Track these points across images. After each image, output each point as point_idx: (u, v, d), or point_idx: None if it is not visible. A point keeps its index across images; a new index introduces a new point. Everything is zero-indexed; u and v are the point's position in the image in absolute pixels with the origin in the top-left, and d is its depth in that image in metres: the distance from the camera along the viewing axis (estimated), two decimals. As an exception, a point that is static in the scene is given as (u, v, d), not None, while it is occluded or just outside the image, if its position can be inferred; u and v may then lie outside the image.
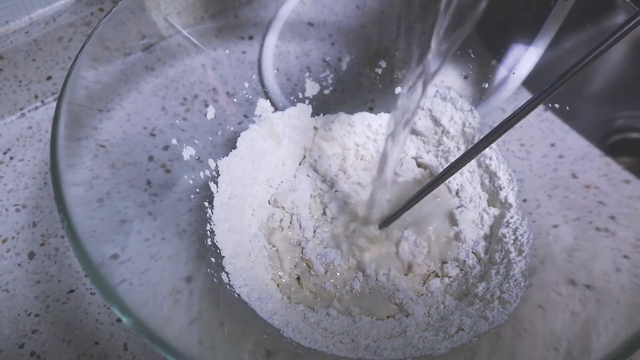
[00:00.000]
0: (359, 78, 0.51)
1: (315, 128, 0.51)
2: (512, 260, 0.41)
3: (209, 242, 0.41)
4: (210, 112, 0.45)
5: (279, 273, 0.44)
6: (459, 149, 0.49)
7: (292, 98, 0.51)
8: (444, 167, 0.48)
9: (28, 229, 0.48)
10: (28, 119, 0.55)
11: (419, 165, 0.50)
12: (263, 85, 0.49)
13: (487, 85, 0.47)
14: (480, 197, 0.46)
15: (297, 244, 0.45)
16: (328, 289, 0.43)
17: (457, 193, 0.48)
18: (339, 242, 0.45)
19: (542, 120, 0.44)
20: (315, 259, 0.44)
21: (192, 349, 0.28)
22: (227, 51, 0.46)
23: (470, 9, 0.31)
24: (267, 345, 0.37)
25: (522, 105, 0.32)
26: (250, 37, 0.49)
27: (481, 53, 0.47)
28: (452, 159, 0.49)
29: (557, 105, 0.43)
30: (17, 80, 0.53)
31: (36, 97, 0.55)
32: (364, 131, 0.51)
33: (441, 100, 0.49)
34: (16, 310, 0.44)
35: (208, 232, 0.41)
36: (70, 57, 0.54)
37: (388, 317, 0.42)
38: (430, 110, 0.49)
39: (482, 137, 0.36)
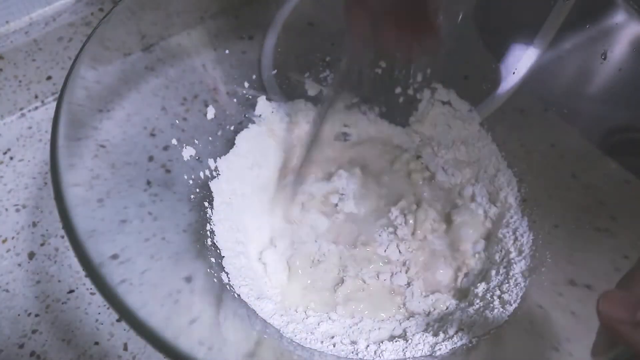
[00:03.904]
0: (359, 78, 0.51)
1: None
2: (512, 260, 0.41)
3: (209, 242, 0.41)
4: (210, 112, 0.45)
5: (280, 276, 0.44)
6: (458, 149, 0.49)
7: (292, 98, 0.51)
8: (443, 167, 0.49)
9: (28, 229, 0.48)
10: (28, 119, 0.55)
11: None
12: (263, 85, 0.49)
13: (487, 85, 0.47)
14: (480, 197, 0.46)
15: (301, 244, 0.45)
16: (330, 292, 0.43)
17: (457, 193, 0.48)
18: (344, 246, 0.45)
19: (542, 120, 0.44)
20: (317, 262, 0.44)
21: (192, 349, 0.28)
22: (227, 51, 0.46)
23: None
24: (267, 345, 0.37)
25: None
26: (250, 37, 0.49)
27: (481, 53, 0.47)
28: (451, 159, 0.49)
29: (557, 106, 0.43)
30: (17, 80, 0.53)
31: (36, 97, 0.55)
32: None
33: (441, 100, 0.49)
34: (16, 310, 0.44)
35: (208, 232, 0.41)
36: (70, 57, 0.54)
37: (389, 317, 0.42)
38: (430, 111, 0.49)
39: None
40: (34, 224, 0.48)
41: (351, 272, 0.44)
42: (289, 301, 0.42)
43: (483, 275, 0.42)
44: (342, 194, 0.47)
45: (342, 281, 0.43)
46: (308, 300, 0.42)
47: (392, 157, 0.50)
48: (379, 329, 0.40)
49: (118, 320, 0.43)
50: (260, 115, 0.49)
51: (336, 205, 0.47)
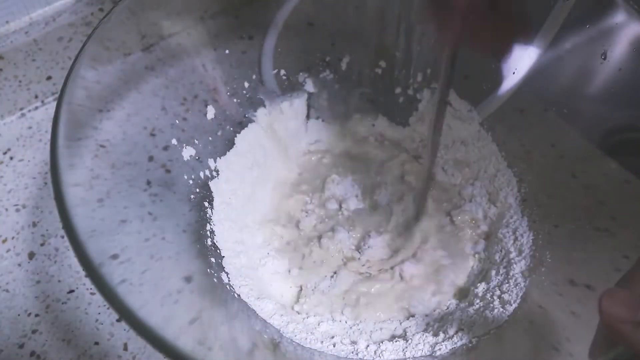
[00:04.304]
0: (359, 78, 0.51)
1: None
2: (512, 260, 0.41)
3: (209, 242, 0.41)
4: (210, 112, 0.45)
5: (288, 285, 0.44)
6: (458, 149, 0.49)
7: (292, 98, 0.51)
8: (443, 167, 0.48)
9: (28, 229, 0.48)
10: (28, 119, 0.55)
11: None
12: (263, 85, 0.49)
13: (487, 86, 0.47)
14: (480, 197, 0.46)
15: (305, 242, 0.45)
16: (340, 298, 0.43)
17: (457, 193, 0.48)
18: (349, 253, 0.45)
19: (542, 120, 0.44)
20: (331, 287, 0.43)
21: (192, 349, 0.28)
22: (227, 51, 0.46)
23: None
24: (267, 345, 0.37)
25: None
26: (250, 37, 0.49)
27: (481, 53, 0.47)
28: (451, 159, 0.49)
29: (557, 106, 0.43)
30: (17, 80, 0.53)
31: (36, 97, 0.55)
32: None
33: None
34: (16, 310, 0.44)
35: (208, 232, 0.41)
36: (70, 57, 0.54)
37: (389, 318, 0.42)
38: (430, 111, 0.49)
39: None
40: (34, 224, 0.48)
41: (358, 277, 0.44)
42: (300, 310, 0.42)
43: (483, 275, 0.42)
44: (345, 195, 0.47)
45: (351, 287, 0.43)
46: (319, 309, 0.42)
47: (391, 156, 0.50)
48: (380, 329, 0.40)
49: (118, 320, 0.43)
50: (260, 115, 0.49)
51: (340, 208, 0.47)
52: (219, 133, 0.46)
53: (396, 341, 0.39)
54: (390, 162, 0.50)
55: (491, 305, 0.39)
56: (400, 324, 0.41)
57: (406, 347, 0.38)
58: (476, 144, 0.48)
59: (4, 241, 0.47)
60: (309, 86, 0.51)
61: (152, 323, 0.27)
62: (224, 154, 0.46)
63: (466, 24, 0.32)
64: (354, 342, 0.39)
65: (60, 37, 0.53)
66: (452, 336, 0.38)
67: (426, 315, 0.41)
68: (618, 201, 0.38)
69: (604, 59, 0.38)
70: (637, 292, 0.25)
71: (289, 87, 0.50)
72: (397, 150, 0.51)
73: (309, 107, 0.51)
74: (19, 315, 0.43)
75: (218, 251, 0.41)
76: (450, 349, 0.37)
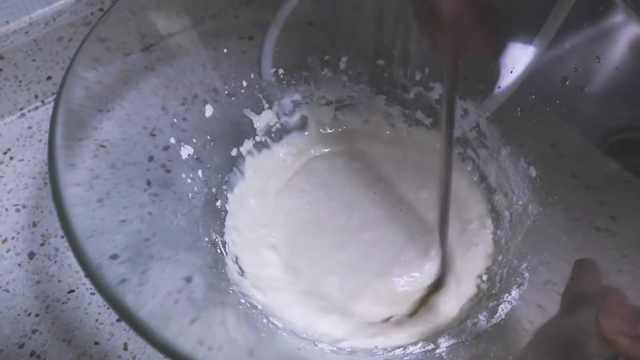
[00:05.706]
0: (358, 77, 0.51)
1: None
2: (513, 261, 0.41)
3: (209, 242, 0.41)
4: (210, 111, 0.45)
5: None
6: (459, 152, 0.49)
7: (291, 98, 0.51)
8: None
9: (28, 229, 0.48)
10: (28, 119, 0.55)
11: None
12: (262, 85, 0.49)
13: (487, 86, 0.47)
14: (480, 197, 0.46)
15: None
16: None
17: (457, 193, 0.48)
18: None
19: (542, 120, 0.44)
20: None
21: (192, 349, 0.28)
22: (226, 51, 0.46)
23: None
24: (267, 344, 0.37)
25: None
26: (250, 37, 0.49)
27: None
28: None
29: (556, 106, 0.42)
30: (17, 80, 0.53)
31: (36, 97, 0.55)
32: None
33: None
34: (16, 310, 0.44)
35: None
36: (70, 57, 0.54)
37: (389, 318, 0.42)
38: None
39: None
40: (34, 224, 0.48)
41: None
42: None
43: (483, 275, 0.42)
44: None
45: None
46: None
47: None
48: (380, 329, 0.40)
49: (118, 320, 0.43)
50: (259, 114, 0.49)
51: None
52: (219, 133, 0.46)
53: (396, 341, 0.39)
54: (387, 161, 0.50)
55: (491, 305, 0.39)
56: (401, 323, 0.41)
57: (406, 347, 0.38)
58: (476, 144, 0.48)
59: (4, 241, 0.47)
60: (308, 85, 0.51)
61: (152, 323, 0.27)
62: (224, 153, 0.46)
63: (457, 34, 0.32)
64: (354, 342, 0.39)
65: (60, 37, 0.53)
66: (451, 336, 0.38)
67: (427, 315, 0.41)
68: (618, 201, 0.38)
69: (604, 58, 0.38)
70: (636, 307, 0.25)
71: (289, 87, 0.50)
72: (391, 148, 0.51)
73: (308, 106, 0.51)
74: (19, 315, 0.43)
75: (218, 251, 0.41)
76: (449, 349, 0.37)
